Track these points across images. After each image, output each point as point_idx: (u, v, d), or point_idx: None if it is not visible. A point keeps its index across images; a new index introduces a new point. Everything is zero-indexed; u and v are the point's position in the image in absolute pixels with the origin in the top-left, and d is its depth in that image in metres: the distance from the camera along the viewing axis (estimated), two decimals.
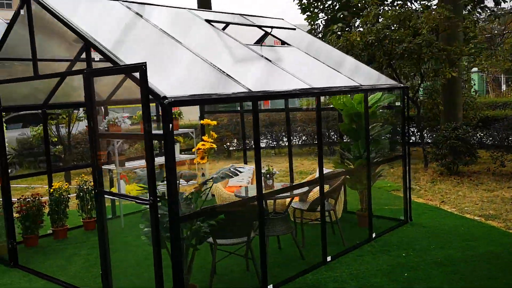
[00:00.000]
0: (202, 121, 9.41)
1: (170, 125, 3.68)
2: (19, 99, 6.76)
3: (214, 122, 9.52)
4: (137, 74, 3.71)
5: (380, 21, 10.08)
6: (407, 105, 6.67)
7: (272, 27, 6.51)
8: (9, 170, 14.59)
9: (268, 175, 5.56)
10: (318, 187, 6.69)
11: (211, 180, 4.46)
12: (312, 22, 15.35)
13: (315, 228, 6.70)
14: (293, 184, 5.69)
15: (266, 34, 6.86)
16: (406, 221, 6.85)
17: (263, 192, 4.63)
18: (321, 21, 15.20)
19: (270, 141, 15.82)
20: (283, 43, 6.72)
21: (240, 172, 4.57)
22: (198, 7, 15.23)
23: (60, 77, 6.37)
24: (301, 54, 6.44)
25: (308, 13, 15.15)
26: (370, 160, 6.09)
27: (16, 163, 14.52)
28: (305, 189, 5.67)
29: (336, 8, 14.49)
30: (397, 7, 10.69)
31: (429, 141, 12.21)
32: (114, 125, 7.41)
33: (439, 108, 11.70)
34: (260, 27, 6.59)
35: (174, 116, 8.39)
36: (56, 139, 11.47)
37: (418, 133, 12.26)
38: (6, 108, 6.47)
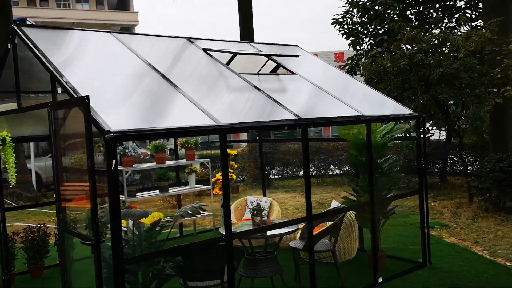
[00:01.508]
0: None
1: (114, 161, 3.48)
2: (28, 130, 6.90)
3: (235, 152, 9.33)
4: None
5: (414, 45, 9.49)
6: (423, 136, 6.09)
7: (270, 55, 6.23)
8: None
9: (255, 212, 5.21)
10: (327, 223, 6.29)
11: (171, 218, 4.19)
12: (357, 47, 14.85)
13: (321, 268, 6.21)
14: (279, 222, 5.29)
15: (278, 66, 6.53)
16: (425, 264, 6.17)
17: (233, 232, 4.30)
18: (366, 45, 14.66)
19: (314, 170, 15.37)
20: (288, 71, 6.41)
21: (204, 210, 4.27)
22: (240, 39, 15.22)
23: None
24: (304, 82, 6.09)
25: (352, 38, 14.69)
26: (373, 196, 5.56)
27: None
28: (293, 227, 5.24)
29: (380, 32, 13.93)
30: (433, 30, 9.99)
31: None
32: (124, 155, 7.39)
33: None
34: (258, 54, 6.30)
35: (189, 146, 8.29)
36: None
37: (461, 163, 11.35)
38: (16, 139, 6.59)
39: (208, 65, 5.63)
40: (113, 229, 3.52)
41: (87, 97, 3.51)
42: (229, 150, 8.91)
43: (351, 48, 14.90)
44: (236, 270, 4.72)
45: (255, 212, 5.20)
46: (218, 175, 8.79)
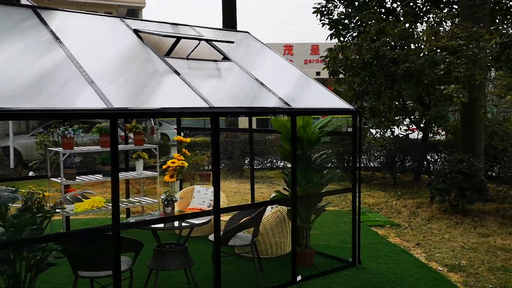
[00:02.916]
0: (175, 138, 9.07)
1: None
2: None
3: (188, 140, 9.11)
4: None
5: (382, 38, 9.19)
6: (359, 131, 5.86)
7: (201, 39, 5.96)
8: (34, 174, 15.14)
9: (165, 202, 5.02)
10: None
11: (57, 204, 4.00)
12: (341, 39, 14.52)
13: (248, 264, 6.03)
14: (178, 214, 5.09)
15: (226, 57, 6.24)
16: (354, 264, 5.97)
17: (121, 222, 4.11)
18: (348, 37, 14.32)
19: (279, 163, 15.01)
20: (226, 57, 6.16)
21: (87, 197, 4.09)
22: (223, 27, 14.90)
23: None
24: (237, 70, 5.85)
25: (334, 29, 14.37)
26: (296, 191, 5.34)
27: (44, 168, 15.02)
28: (204, 219, 5.04)
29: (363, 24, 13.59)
30: (403, 24, 9.58)
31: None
32: (64, 137, 7.21)
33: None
34: (186, 38, 5.98)
35: (138, 131, 8.10)
36: None
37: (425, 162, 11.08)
38: None
39: (131, 45, 5.40)
40: None
41: None
42: (181, 137, 8.68)
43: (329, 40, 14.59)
44: (134, 263, 4.55)
45: (165, 202, 5.01)
46: (169, 163, 8.59)
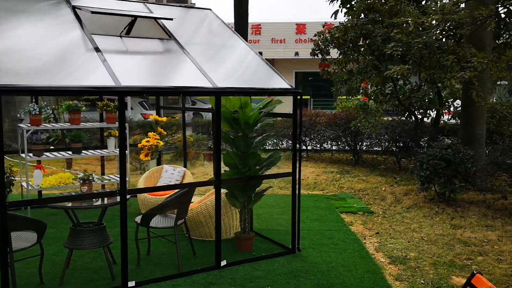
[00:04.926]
0: (151, 116, 9.06)
1: None
2: None
3: (164, 119, 9.08)
4: None
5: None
6: (300, 113, 5.57)
7: (136, 16, 5.78)
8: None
9: (82, 181, 4.99)
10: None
11: None
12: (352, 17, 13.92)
13: (185, 246, 5.94)
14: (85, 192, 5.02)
15: (166, 36, 6.12)
16: (293, 251, 5.75)
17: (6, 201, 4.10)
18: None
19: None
20: (169, 35, 6.00)
21: None
22: (234, 15, 14.51)
23: None
24: (174, 48, 5.67)
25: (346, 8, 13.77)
26: (220, 173, 5.17)
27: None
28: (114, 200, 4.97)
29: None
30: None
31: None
32: (30, 113, 7.33)
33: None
34: (119, 15, 5.77)
35: (110, 109, 8.12)
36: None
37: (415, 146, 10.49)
38: None
39: (62, 22, 5.34)
40: None
41: None
42: (155, 116, 8.67)
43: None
44: (38, 241, 4.57)
45: (81, 181, 4.98)
46: (144, 142, 8.62)
